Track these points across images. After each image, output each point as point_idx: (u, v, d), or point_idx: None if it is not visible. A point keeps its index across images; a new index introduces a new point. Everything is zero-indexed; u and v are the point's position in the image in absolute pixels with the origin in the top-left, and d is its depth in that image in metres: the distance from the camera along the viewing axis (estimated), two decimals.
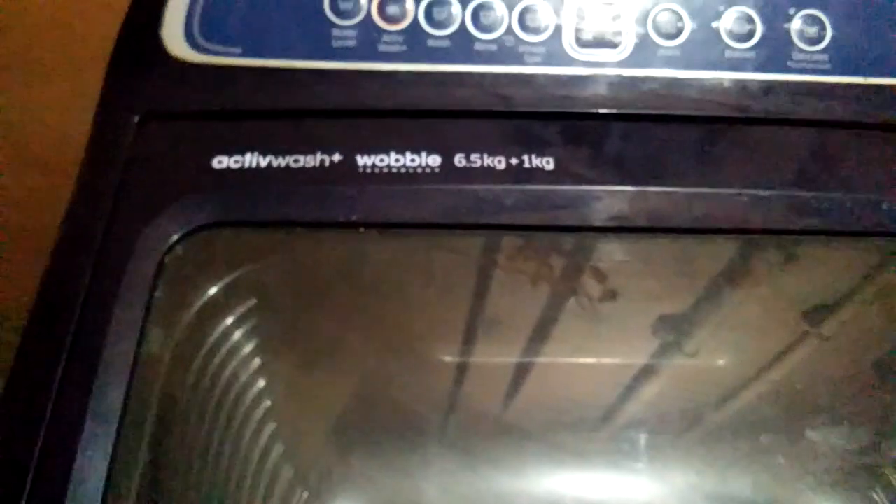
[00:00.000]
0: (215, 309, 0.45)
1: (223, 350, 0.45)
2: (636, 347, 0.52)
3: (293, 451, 0.47)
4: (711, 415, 0.49)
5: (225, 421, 0.45)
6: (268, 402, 0.47)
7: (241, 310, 0.46)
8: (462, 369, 0.51)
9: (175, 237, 0.42)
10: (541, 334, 0.51)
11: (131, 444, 0.38)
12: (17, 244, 0.81)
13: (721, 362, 0.53)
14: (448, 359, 0.50)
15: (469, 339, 0.51)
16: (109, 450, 0.37)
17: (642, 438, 0.47)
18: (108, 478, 0.36)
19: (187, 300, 0.44)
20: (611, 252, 0.51)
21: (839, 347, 0.51)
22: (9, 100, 0.75)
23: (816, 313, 0.52)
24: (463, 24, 0.47)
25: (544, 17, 0.47)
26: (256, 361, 0.47)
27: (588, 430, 0.49)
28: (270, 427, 0.46)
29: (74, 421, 0.36)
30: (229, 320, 0.46)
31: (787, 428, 0.47)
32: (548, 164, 0.45)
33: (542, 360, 0.51)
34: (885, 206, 0.45)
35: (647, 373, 0.52)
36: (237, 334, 0.46)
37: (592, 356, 0.52)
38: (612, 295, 0.51)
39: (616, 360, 0.53)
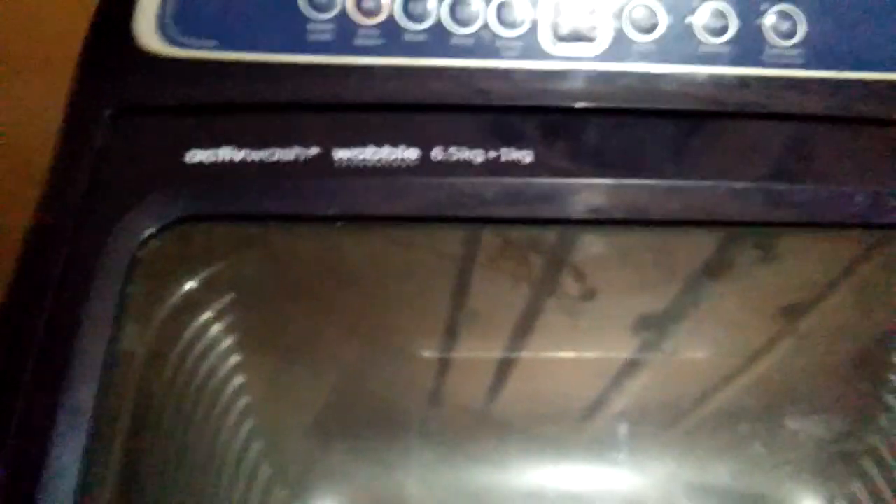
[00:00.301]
0: (192, 304, 0.45)
1: (200, 345, 0.44)
2: (617, 344, 0.53)
3: (272, 447, 0.46)
4: (691, 407, 0.49)
5: (202, 417, 0.44)
6: (246, 399, 0.46)
7: (218, 305, 0.46)
8: (442, 364, 0.51)
9: (149, 231, 0.41)
10: (521, 331, 0.51)
11: (105, 439, 0.38)
12: None
13: (701, 356, 0.54)
14: (428, 354, 0.50)
15: (449, 335, 0.51)
16: (82, 445, 0.36)
17: (623, 431, 0.47)
18: (82, 474, 0.36)
19: (163, 295, 0.43)
20: (590, 250, 0.51)
21: (818, 340, 0.51)
22: None
23: (795, 308, 0.52)
24: (439, 18, 0.47)
25: (521, 12, 0.47)
26: (234, 357, 0.46)
27: (569, 423, 0.48)
28: (249, 423, 0.46)
29: (46, 416, 0.36)
30: (206, 315, 0.45)
31: (766, 417, 0.47)
32: (526, 157, 0.45)
33: (522, 355, 0.51)
34: (858, 198, 0.46)
35: (627, 368, 0.52)
36: (215, 329, 0.45)
37: (573, 352, 0.52)
38: (591, 293, 0.51)
39: (596, 356, 0.53)
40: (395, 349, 0.49)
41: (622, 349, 0.51)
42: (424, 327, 0.50)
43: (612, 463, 0.46)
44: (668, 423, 0.48)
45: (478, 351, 0.51)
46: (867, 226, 0.46)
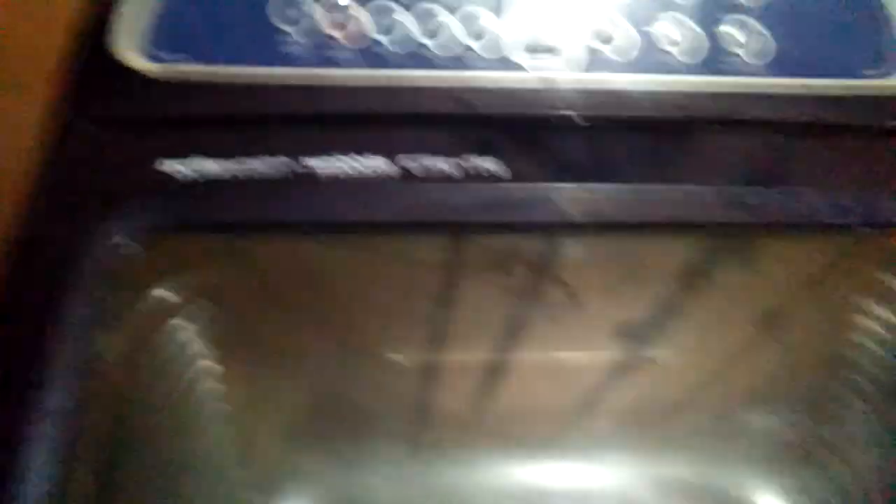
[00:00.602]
0: (165, 311, 0.45)
1: (174, 352, 0.45)
2: (586, 347, 0.54)
3: (246, 452, 0.47)
4: (656, 406, 0.50)
5: (177, 422, 0.45)
6: (220, 404, 0.47)
7: (191, 312, 0.46)
8: (417, 369, 0.52)
9: (123, 240, 0.42)
10: (492, 336, 0.52)
11: (79, 445, 0.38)
12: None
13: (675, 361, 0.55)
14: (402, 359, 0.51)
15: (422, 341, 0.52)
16: (56, 451, 0.37)
17: (587, 429, 0.48)
18: (56, 477, 0.36)
19: (137, 303, 0.44)
20: (572, 261, 0.52)
21: (780, 340, 0.52)
22: None
23: (761, 311, 0.53)
24: (409, 30, 0.48)
25: (493, 27, 0.49)
26: (208, 363, 0.47)
27: (536, 423, 0.49)
28: (223, 428, 0.47)
29: (21, 421, 0.36)
30: (180, 322, 0.46)
31: (726, 413, 0.49)
32: (497, 165, 0.46)
33: (493, 359, 0.52)
34: (818, 202, 0.47)
35: (594, 370, 0.53)
36: (188, 336, 0.46)
37: (541, 355, 0.53)
38: (575, 302, 0.52)
39: (563, 358, 0.54)
40: (369, 355, 0.50)
41: (588, 352, 0.53)
42: (398, 333, 0.51)
43: (578, 459, 0.47)
44: (635, 421, 0.49)
45: (450, 356, 0.52)
46: (826, 228, 0.47)
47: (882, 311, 0.53)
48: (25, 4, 0.73)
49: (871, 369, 0.52)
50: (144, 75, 0.45)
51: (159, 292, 0.45)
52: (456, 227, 0.46)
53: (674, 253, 0.53)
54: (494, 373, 0.51)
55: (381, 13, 0.47)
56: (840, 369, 0.52)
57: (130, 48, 0.46)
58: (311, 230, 0.44)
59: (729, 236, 0.51)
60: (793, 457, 0.50)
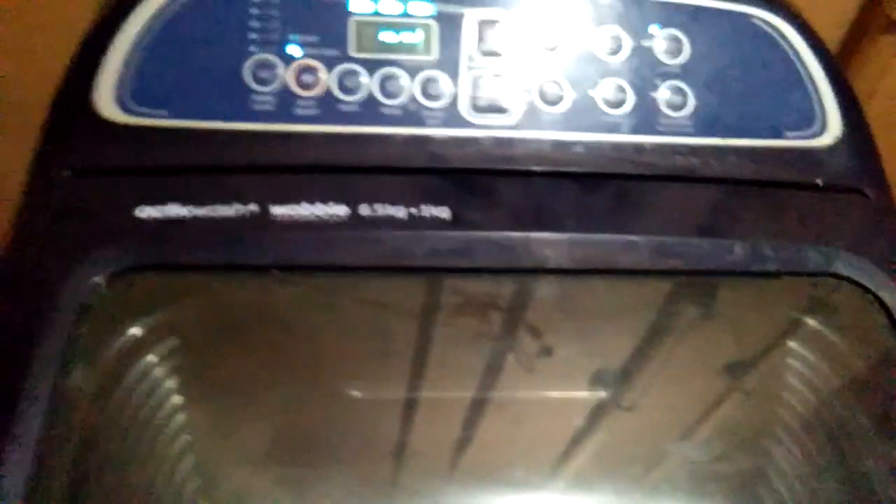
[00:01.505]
0: (137, 348, 0.48)
1: (144, 386, 0.48)
2: (553, 387, 0.57)
3: (210, 483, 0.50)
4: (605, 442, 0.54)
5: (144, 454, 0.47)
6: (187, 437, 0.49)
7: (162, 349, 0.49)
8: (378, 405, 0.55)
9: (99, 279, 0.45)
10: (453, 377, 0.56)
11: (48, 471, 0.41)
12: None
13: (626, 401, 0.58)
14: (358, 394, 0.54)
15: (383, 378, 0.55)
16: (26, 475, 0.39)
17: (544, 462, 0.51)
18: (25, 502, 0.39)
19: (110, 339, 0.47)
20: (544, 308, 0.56)
21: (729, 385, 0.57)
22: None
23: (714, 358, 0.58)
24: (371, 91, 0.53)
25: (443, 86, 0.53)
26: (177, 398, 0.50)
27: (500, 458, 0.53)
28: (189, 461, 0.49)
29: None
30: (151, 359, 0.49)
31: (669, 447, 0.52)
32: (444, 213, 0.50)
33: (438, 395, 0.56)
34: (737, 248, 0.51)
35: (557, 409, 0.57)
36: (158, 372, 0.49)
37: (509, 395, 0.57)
38: (547, 351, 0.56)
39: (533, 397, 0.57)
40: (331, 390, 0.53)
41: (547, 391, 0.56)
42: (358, 370, 0.55)
43: (539, 492, 0.51)
44: (581, 455, 0.53)
45: (401, 391, 0.55)
46: (745, 274, 0.52)
47: (807, 353, 0.57)
48: (19, 56, 0.77)
49: (796, 406, 0.56)
50: (125, 128, 0.49)
51: (133, 330, 0.48)
52: (408, 269, 0.50)
53: (628, 300, 0.57)
54: (457, 410, 0.54)
55: (347, 76, 0.52)
56: (772, 407, 0.57)
57: (112, 103, 0.50)
58: (277, 271, 0.48)
59: (673, 286, 0.56)
60: (726, 487, 0.54)
